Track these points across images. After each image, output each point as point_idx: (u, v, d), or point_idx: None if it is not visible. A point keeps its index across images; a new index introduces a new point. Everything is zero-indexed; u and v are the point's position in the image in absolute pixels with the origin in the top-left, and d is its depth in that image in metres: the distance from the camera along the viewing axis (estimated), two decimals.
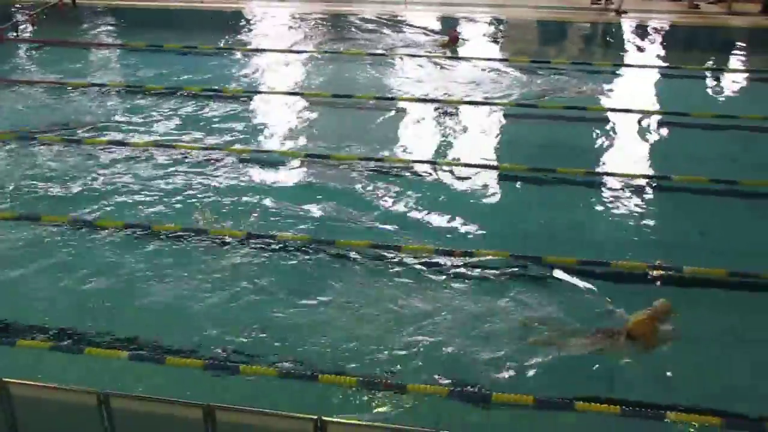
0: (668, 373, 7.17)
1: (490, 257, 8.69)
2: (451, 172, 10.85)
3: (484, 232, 9.36)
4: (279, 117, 12.98)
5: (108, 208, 9.82)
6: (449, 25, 17.70)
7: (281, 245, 8.98)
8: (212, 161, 11.10)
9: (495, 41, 16.81)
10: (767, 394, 6.92)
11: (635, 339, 7.31)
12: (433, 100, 13.40)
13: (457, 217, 9.65)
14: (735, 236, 9.28)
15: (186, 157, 11.20)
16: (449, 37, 16.13)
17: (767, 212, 9.86)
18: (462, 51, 15.88)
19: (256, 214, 9.67)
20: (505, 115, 12.88)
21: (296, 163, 11.15)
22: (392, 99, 13.52)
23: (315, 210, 9.77)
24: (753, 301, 8.12)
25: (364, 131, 12.20)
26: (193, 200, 10.05)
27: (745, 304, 8.05)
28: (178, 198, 10.13)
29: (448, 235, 9.23)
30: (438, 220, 9.60)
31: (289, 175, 10.81)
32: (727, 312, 7.93)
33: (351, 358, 7.26)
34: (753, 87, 14.25)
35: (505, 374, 7.06)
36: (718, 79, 14.52)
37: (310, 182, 10.59)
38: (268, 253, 8.87)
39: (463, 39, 16.34)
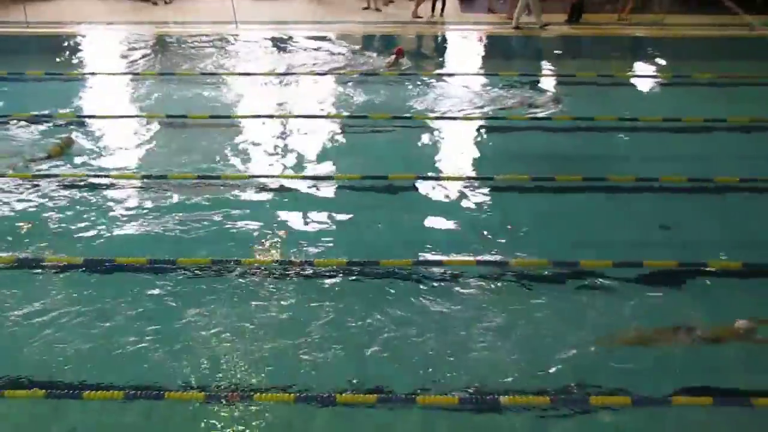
0: None
1: (329, 266, 9.03)
2: (291, 185, 11.12)
3: (325, 241, 9.66)
4: (112, 139, 12.75)
5: None
6: (282, 42, 18.05)
7: (121, 268, 8.95)
8: (42, 187, 10.84)
9: (326, 57, 17.20)
10: None
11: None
12: (270, 116, 13.65)
13: (296, 229, 9.95)
14: (561, 230, 10.07)
15: (16, 185, 10.90)
16: (395, 53, 16.27)
17: (584, 204, 10.75)
18: (297, 68, 16.22)
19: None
20: (339, 127, 13.33)
21: (132, 184, 11.07)
22: (228, 117, 13.67)
23: (154, 230, 9.80)
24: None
25: (201, 150, 12.22)
26: (20, 226, 9.87)
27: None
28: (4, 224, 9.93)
29: (290, 247, 9.47)
30: (277, 231, 9.87)
31: (125, 197, 10.71)
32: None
33: (197, 374, 7.38)
34: (561, 90, 15.36)
35: (374, 381, 7.34)
36: (530, 85, 15.55)
37: (147, 203, 10.52)
38: (107, 277, 8.82)
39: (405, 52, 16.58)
